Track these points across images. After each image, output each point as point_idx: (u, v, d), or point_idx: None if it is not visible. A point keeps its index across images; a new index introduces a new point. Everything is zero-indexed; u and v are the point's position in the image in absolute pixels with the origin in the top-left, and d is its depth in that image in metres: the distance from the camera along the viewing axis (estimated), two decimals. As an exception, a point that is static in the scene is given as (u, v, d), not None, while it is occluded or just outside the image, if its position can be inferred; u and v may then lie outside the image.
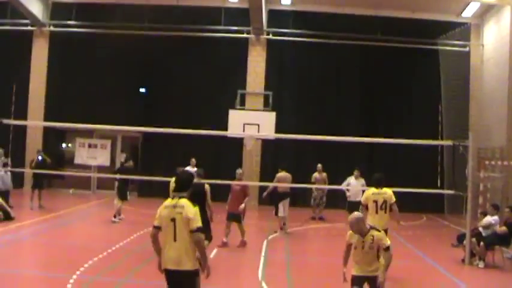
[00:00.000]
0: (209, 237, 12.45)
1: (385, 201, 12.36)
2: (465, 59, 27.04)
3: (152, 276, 11.92)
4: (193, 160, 22.10)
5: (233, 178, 16.58)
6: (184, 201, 7.44)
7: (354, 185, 20.34)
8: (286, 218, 19.04)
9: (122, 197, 19.91)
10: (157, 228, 7.53)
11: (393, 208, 12.48)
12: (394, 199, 12.47)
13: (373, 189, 12.60)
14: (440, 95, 26.21)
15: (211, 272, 7.63)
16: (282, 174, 19.15)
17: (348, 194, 20.65)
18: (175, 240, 7.34)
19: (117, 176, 20.22)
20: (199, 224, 7.34)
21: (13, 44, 27.88)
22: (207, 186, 13.41)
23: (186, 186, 7.72)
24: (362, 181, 20.28)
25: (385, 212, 12.37)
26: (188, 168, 20.50)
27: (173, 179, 14.26)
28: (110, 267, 12.80)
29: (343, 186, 20.68)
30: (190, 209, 7.35)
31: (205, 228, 9.13)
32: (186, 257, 7.31)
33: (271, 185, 19.52)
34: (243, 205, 16.05)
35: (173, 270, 7.39)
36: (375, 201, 12.37)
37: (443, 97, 26.14)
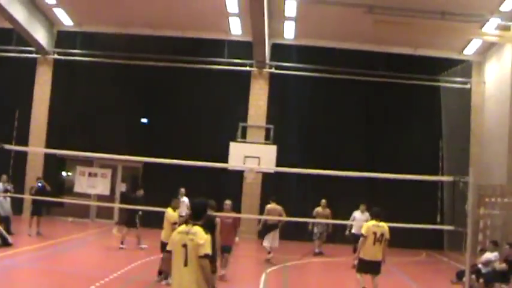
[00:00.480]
0: (214, 270, 12.35)
1: (382, 235, 12.75)
2: (466, 96, 27.17)
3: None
4: (182, 190, 21.67)
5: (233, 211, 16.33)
6: (198, 229, 7.48)
7: (358, 219, 20.22)
8: (273, 249, 19.07)
9: (131, 225, 19.95)
10: (170, 253, 7.60)
11: (385, 244, 12.86)
12: (388, 236, 12.83)
13: (373, 222, 12.99)
14: (441, 130, 26.27)
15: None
16: (271, 206, 19.36)
17: (349, 226, 20.56)
18: (185, 265, 7.35)
19: (124, 206, 20.17)
20: (207, 250, 7.36)
21: (17, 70, 27.95)
22: (217, 220, 13.27)
23: (200, 214, 7.73)
24: (367, 215, 20.10)
25: (380, 245, 12.74)
26: (182, 198, 20.47)
27: (169, 209, 14.44)
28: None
29: (349, 221, 20.49)
30: (202, 236, 7.39)
31: (212, 260, 9.09)
32: (195, 283, 7.33)
33: (262, 217, 19.57)
34: (237, 238, 15.86)
35: None
36: (374, 233, 12.74)
37: (444, 133, 26.21)
